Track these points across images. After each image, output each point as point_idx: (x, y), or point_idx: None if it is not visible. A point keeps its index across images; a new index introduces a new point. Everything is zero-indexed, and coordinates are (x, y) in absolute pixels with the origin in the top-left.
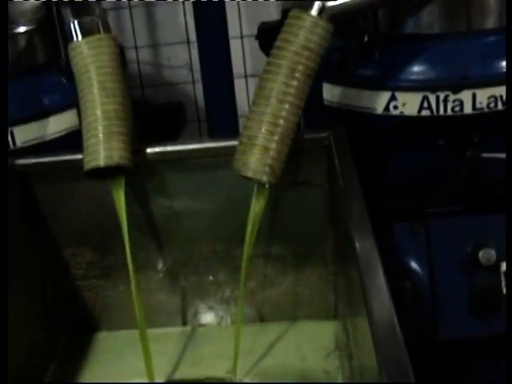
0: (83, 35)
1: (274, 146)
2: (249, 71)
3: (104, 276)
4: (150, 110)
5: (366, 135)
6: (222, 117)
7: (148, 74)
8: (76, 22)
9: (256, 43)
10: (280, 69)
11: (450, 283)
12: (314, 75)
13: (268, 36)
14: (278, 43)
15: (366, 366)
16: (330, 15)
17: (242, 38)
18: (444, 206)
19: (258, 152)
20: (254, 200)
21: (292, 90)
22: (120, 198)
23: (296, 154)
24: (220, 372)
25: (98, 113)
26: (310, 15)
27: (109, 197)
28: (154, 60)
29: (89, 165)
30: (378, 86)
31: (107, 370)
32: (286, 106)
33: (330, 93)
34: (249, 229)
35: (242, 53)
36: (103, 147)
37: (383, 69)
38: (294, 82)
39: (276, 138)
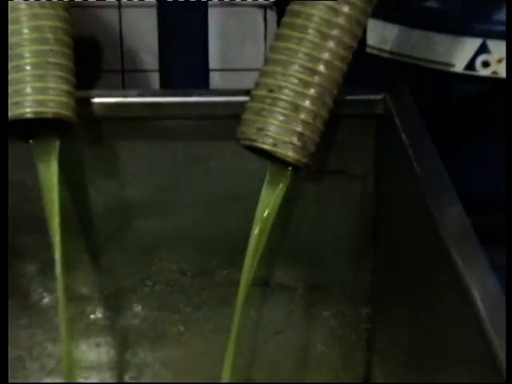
0: None
1: (308, 104)
2: None
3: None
4: None
5: (435, 107)
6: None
7: None
8: None
9: None
10: None
11: None
12: (376, 1)
13: None
14: None
15: None
16: None
17: None
18: None
19: (284, 112)
20: (264, 191)
21: (341, 21)
22: (50, 174)
23: (327, 125)
24: None
25: (25, 30)
26: None
27: (24, 172)
28: None
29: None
30: (460, 30)
31: None
32: (331, 43)
33: (380, 35)
34: (254, 234)
35: None
36: (32, 86)
37: (470, 3)
38: (346, 8)
39: (312, 92)
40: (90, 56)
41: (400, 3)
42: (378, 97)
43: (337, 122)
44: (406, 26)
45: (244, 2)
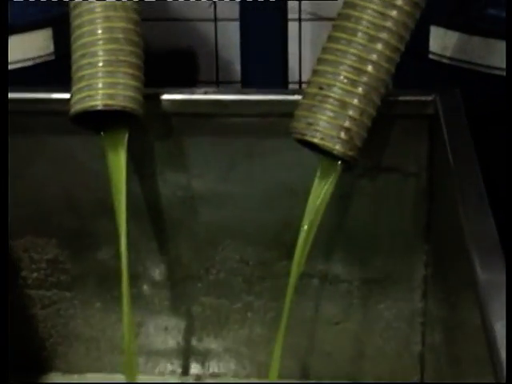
0: None
1: (355, 101)
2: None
3: (73, 285)
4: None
5: (491, 110)
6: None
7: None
8: None
9: None
10: None
11: None
12: (424, 6)
13: None
14: None
15: None
16: None
17: None
18: None
19: (332, 108)
20: (316, 183)
21: (390, 24)
22: (118, 163)
23: (382, 124)
24: None
25: (99, 31)
26: None
27: (97, 161)
28: None
29: (79, 105)
30: None
31: None
32: (379, 46)
33: (441, 41)
34: (304, 228)
35: None
36: (103, 81)
37: None
38: (394, 13)
39: (360, 90)
40: (186, 67)
41: (460, 11)
42: (429, 98)
43: (391, 121)
44: (466, 33)
45: None
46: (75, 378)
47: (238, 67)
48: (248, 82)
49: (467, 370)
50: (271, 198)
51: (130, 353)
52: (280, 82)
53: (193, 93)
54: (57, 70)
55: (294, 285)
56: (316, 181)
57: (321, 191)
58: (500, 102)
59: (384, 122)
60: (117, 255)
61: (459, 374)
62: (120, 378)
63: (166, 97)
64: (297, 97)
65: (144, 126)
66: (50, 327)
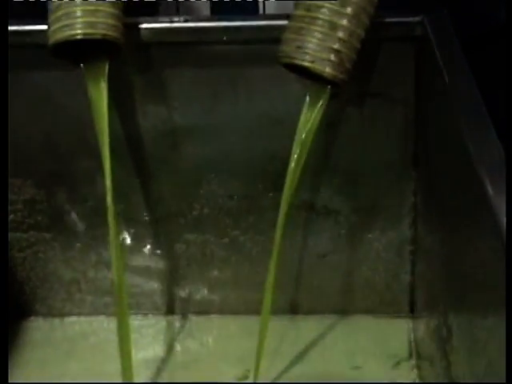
0: None
1: (345, 22)
2: None
3: (51, 227)
4: None
5: (482, 30)
6: None
7: None
8: None
9: None
10: None
11: None
12: None
13: None
14: None
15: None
16: None
17: None
18: None
19: (321, 30)
20: (305, 110)
21: None
22: (99, 95)
23: (368, 48)
24: (227, 378)
25: None
26: None
27: (75, 99)
28: None
29: (57, 35)
30: None
31: (49, 381)
32: None
33: None
34: (294, 156)
35: None
36: (82, 9)
37: None
38: None
39: (348, 10)
40: None
41: None
42: (417, 19)
43: (377, 44)
44: None
45: None
46: (56, 322)
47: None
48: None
49: (463, 296)
50: (257, 129)
51: (122, 295)
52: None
53: (173, 21)
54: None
55: (285, 217)
56: (304, 108)
57: (309, 119)
58: (487, 23)
59: (370, 45)
60: (97, 194)
61: (452, 303)
62: (102, 319)
63: (144, 26)
64: (283, 21)
65: (123, 57)
66: (29, 270)
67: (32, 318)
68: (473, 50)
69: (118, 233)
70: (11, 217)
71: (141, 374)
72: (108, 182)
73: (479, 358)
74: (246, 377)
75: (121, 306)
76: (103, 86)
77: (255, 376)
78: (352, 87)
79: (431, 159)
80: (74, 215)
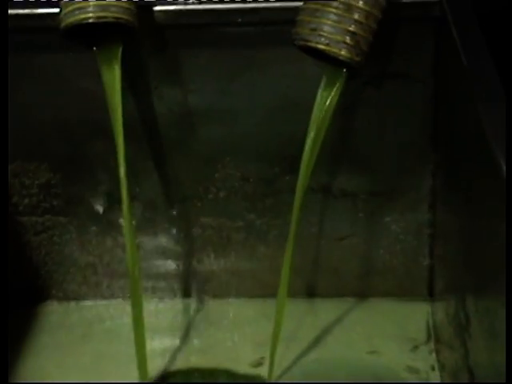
0: None
1: (360, 4)
2: None
3: (67, 210)
4: None
5: (500, 7)
6: None
7: None
8: None
9: None
10: None
11: None
12: None
13: None
14: None
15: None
16: None
17: None
18: None
19: (336, 11)
20: (321, 92)
21: None
22: (113, 79)
23: (385, 28)
24: (242, 365)
25: None
26: None
27: (89, 81)
28: None
29: (69, 19)
30: None
31: (65, 364)
32: None
33: None
34: (310, 139)
35: None
36: None
37: None
38: None
39: None
40: None
41: None
42: None
43: (394, 25)
44: None
45: None
46: (72, 305)
47: None
48: None
49: (479, 279)
50: (273, 112)
51: (135, 277)
52: None
53: (187, 3)
54: None
55: (301, 200)
56: (320, 91)
57: (326, 101)
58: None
59: (387, 25)
60: (112, 177)
61: (469, 285)
62: (118, 302)
63: (159, 8)
64: (298, 3)
65: (137, 40)
66: (45, 254)
67: (48, 301)
68: (491, 29)
69: (132, 217)
70: (26, 201)
71: (156, 358)
72: (122, 168)
73: (498, 349)
74: (261, 364)
75: (134, 289)
76: (116, 70)
77: (270, 362)
78: (369, 68)
79: (450, 141)
80: (89, 199)
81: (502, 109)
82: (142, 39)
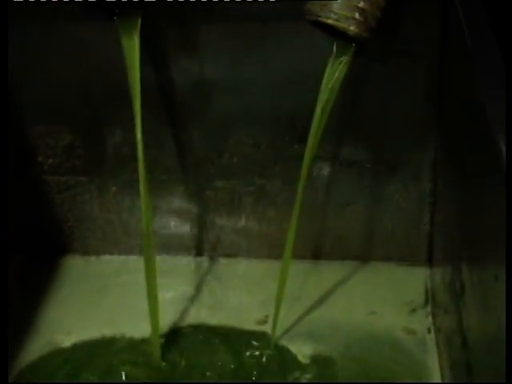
0: None
1: None
2: None
3: (88, 171)
4: None
5: None
6: None
7: None
8: None
9: None
10: None
11: None
12: None
13: None
14: None
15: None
16: None
17: None
18: None
19: None
20: (330, 65)
21: None
22: (132, 48)
23: (391, 5)
24: (248, 322)
25: None
26: None
27: (110, 49)
28: None
29: None
30: None
31: (84, 314)
32: None
33: None
34: (318, 109)
35: None
36: None
37: None
38: None
39: None
40: None
41: None
42: None
43: (402, 2)
44: None
45: None
46: (93, 259)
47: None
48: None
49: (474, 252)
50: (284, 83)
51: (149, 234)
52: None
53: None
54: None
55: (308, 167)
56: (329, 64)
57: (334, 74)
58: None
59: (395, 3)
60: (131, 141)
61: (465, 257)
62: (135, 258)
63: None
64: None
65: (155, 12)
66: (67, 211)
67: (70, 255)
68: (496, 8)
69: (147, 178)
70: (50, 161)
71: (168, 311)
72: (138, 132)
73: (490, 319)
74: (265, 321)
75: (148, 247)
76: (136, 40)
77: (274, 321)
78: (377, 45)
79: (453, 117)
80: (109, 161)
81: (503, 88)
82: (159, 11)
